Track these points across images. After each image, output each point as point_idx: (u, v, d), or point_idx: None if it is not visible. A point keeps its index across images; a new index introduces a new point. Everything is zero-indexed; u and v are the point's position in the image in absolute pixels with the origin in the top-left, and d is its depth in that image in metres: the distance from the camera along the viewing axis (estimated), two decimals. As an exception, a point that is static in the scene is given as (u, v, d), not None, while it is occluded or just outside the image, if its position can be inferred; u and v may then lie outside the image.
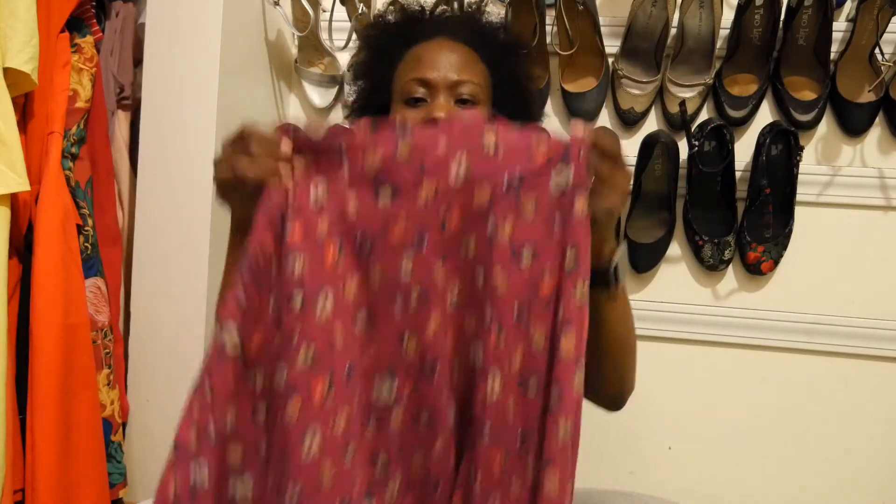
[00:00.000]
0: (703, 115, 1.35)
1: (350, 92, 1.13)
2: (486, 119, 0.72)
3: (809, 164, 1.32)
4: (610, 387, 0.88)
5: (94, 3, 1.31)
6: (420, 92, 0.97)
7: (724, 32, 1.31)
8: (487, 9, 1.09)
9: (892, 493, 1.33)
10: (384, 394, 0.72)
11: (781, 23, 1.28)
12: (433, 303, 0.70)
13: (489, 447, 0.69)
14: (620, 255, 0.78)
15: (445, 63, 0.98)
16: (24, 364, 1.14)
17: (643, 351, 1.39)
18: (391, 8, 1.12)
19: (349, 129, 0.68)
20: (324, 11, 1.41)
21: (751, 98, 1.30)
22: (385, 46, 1.05)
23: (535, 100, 1.13)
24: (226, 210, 0.77)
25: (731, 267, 1.36)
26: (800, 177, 1.29)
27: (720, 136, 1.30)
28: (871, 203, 1.31)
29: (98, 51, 1.30)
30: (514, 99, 1.05)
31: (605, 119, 1.39)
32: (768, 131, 1.28)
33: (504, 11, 1.31)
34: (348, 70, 1.41)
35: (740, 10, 1.27)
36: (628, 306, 0.86)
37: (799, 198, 1.30)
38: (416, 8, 1.08)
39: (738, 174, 1.31)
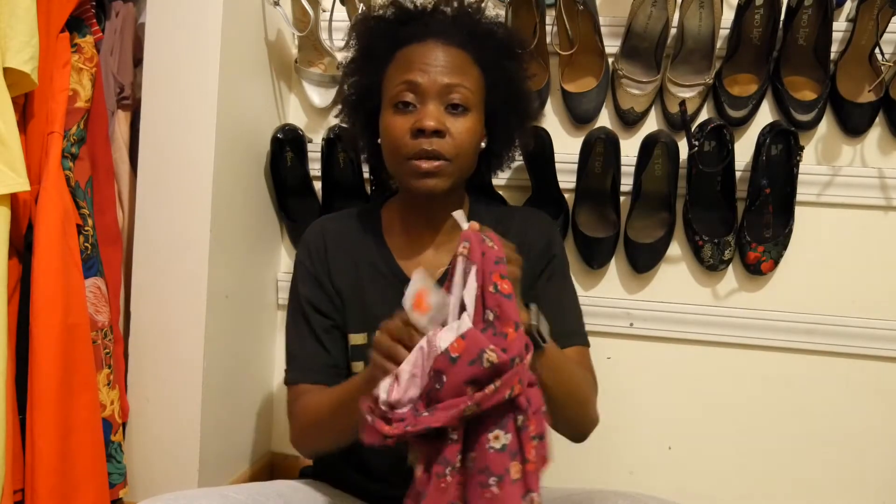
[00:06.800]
0: (703, 115, 1.35)
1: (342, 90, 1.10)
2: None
3: (809, 164, 1.32)
4: (566, 431, 0.99)
5: (94, 3, 1.31)
6: (409, 97, 0.94)
7: (724, 32, 1.31)
8: (484, 6, 1.04)
9: (891, 493, 1.33)
10: None
11: (781, 23, 1.28)
12: None
13: None
14: (535, 317, 0.81)
15: (436, 66, 0.94)
16: (24, 364, 1.14)
17: (643, 350, 1.40)
18: (381, 3, 1.07)
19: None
20: (324, 11, 1.41)
21: (751, 98, 1.30)
22: (373, 47, 1.01)
23: (530, 100, 1.09)
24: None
25: (731, 267, 1.36)
26: (800, 177, 1.29)
27: (720, 136, 1.29)
28: (871, 203, 1.31)
29: (98, 51, 1.30)
30: (510, 101, 1.03)
31: (605, 119, 1.39)
32: (768, 131, 1.28)
33: (504, 11, 1.31)
34: (337, 68, 1.41)
35: (740, 10, 1.27)
36: (565, 370, 0.88)
37: (799, 198, 1.30)
38: (408, 6, 1.03)
39: (738, 174, 1.31)
